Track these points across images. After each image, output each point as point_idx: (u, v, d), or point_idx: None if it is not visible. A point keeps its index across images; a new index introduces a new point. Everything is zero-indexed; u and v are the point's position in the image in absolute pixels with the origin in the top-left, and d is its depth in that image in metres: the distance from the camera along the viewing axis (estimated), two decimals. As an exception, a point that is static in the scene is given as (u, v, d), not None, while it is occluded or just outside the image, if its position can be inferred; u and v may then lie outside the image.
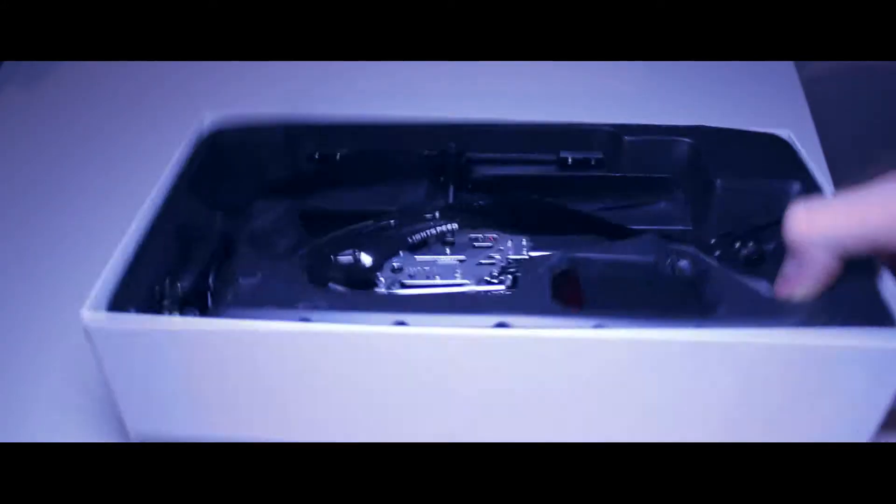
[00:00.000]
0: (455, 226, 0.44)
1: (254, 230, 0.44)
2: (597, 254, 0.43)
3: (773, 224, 0.46)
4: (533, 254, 0.44)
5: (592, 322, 0.36)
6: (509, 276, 0.43)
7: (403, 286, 0.42)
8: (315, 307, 0.37)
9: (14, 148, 0.56)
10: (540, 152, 0.51)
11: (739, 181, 0.46)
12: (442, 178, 0.50)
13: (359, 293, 0.41)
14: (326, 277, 0.43)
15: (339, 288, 0.41)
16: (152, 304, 0.38)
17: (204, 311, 0.39)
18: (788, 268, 0.39)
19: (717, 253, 0.44)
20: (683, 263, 0.43)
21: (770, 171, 0.47)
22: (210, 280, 0.42)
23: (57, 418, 0.44)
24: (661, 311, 0.38)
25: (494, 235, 0.45)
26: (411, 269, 0.43)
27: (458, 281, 0.42)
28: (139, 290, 0.37)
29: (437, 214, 0.45)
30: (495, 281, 0.42)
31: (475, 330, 0.35)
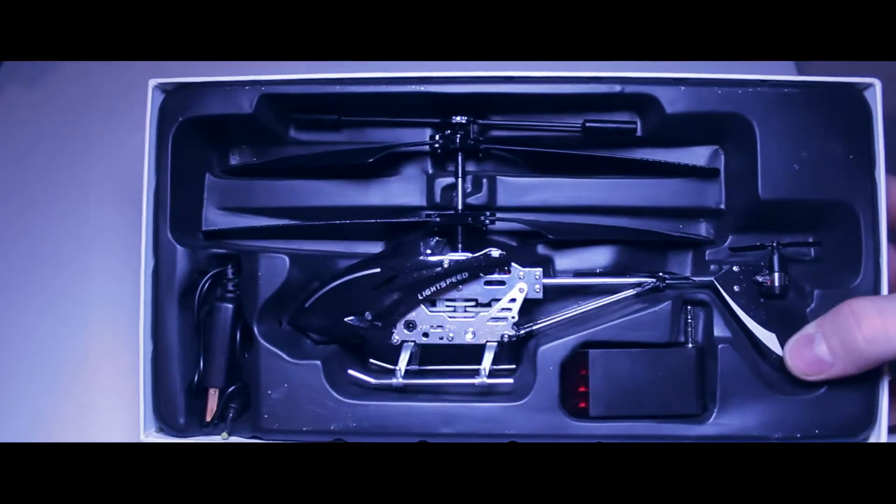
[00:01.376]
0: (465, 275, 0.43)
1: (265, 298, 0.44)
2: (607, 326, 0.43)
3: (809, 244, 0.44)
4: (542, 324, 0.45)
5: (592, 440, 0.42)
6: (522, 332, 0.44)
7: (420, 371, 0.44)
8: (346, 427, 0.42)
9: (14, 148, 0.55)
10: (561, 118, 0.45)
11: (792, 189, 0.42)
12: (450, 167, 0.46)
13: (379, 396, 0.43)
14: (337, 339, 0.46)
15: (358, 375, 0.44)
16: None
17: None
18: (819, 349, 0.40)
19: (737, 288, 0.44)
20: (698, 331, 0.44)
21: (833, 180, 0.43)
22: (235, 389, 0.44)
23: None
24: (661, 404, 0.42)
25: (506, 270, 0.44)
26: (424, 326, 0.44)
27: (470, 367, 0.44)
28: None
29: (444, 266, 0.43)
30: (506, 340, 0.43)
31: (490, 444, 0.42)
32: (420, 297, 0.43)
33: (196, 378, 0.44)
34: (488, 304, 0.44)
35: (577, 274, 0.46)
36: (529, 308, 0.45)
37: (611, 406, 0.43)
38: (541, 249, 0.47)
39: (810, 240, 0.45)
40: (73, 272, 0.54)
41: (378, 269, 0.44)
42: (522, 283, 0.44)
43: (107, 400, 0.52)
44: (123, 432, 0.50)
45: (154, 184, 0.44)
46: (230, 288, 0.45)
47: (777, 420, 0.42)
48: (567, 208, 0.46)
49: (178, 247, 0.44)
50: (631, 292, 0.44)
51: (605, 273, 0.46)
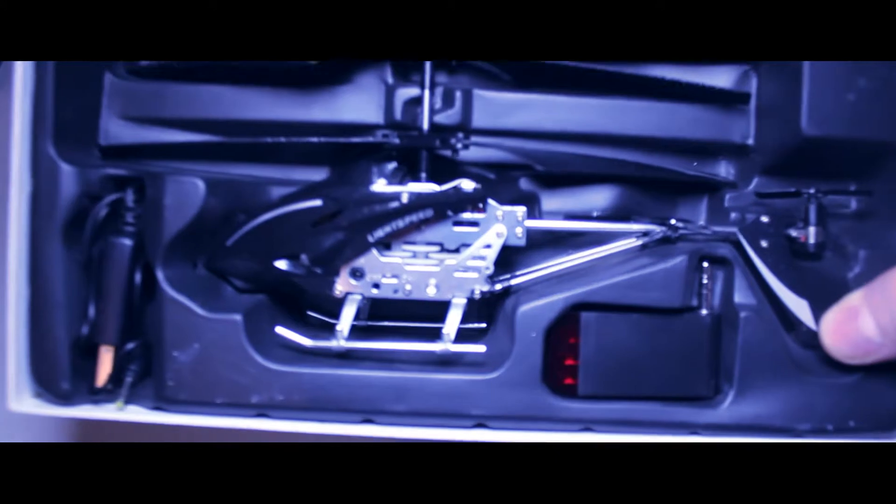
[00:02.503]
0: (430, 213, 0.34)
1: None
2: (604, 284, 0.34)
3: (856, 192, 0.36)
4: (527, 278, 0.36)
5: (580, 425, 0.35)
6: (498, 288, 0.35)
7: (368, 330, 0.35)
8: (271, 400, 0.34)
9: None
10: None
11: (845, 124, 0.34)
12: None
13: (315, 362, 0.35)
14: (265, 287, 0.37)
15: (286, 335, 0.35)
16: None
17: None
18: (864, 325, 0.32)
19: (765, 243, 0.35)
20: (714, 294, 0.36)
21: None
22: (133, 347, 0.35)
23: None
24: (666, 383, 0.34)
25: (481, 209, 0.35)
26: (375, 275, 0.35)
27: (431, 326, 0.35)
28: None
29: (403, 199, 0.34)
30: (478, 296, 0.35)
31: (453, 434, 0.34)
32: (371, 239, 0.34)
33: (85, 332, 0.35)
34: (456, 251, 0.35)
35: (569, 216, 0.37)
36: (508, 257, 0.36)
37: (605, 383, 0.35)
38: (524, 185, 0.38)
39: (853, 188, 0.37)
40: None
41: (319, 202, 0.34)
42: (500, 226, 0.35)
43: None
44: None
45: (32, 82, 0.34)
46: (129, 219, 0.35)
47: (805, 408, 0.34)
48: (558, 135, 0.37)
49: (63, 165, 0.34)
50: (635, 242, 0.36)
51: (603, 217, 0.37)
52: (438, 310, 0.35)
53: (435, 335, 0.35)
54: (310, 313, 0.37)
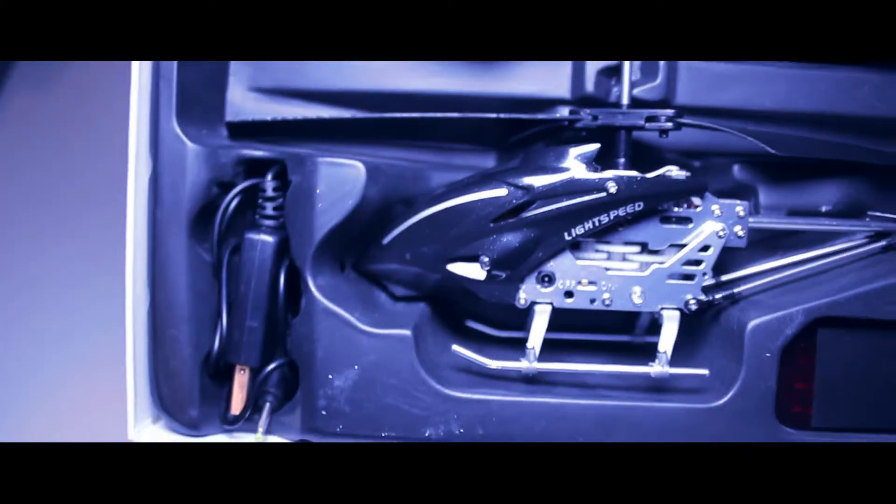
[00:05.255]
0: (639, 206, 0.28)
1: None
2: (850, 294, 0.28)
3: None
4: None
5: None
6: (715, 297, 0.29)
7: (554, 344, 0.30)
8: (448, 434, 0.28)
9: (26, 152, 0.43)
10: None
11: None
12: None
13: (497, 386, 0.28)
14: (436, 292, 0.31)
15: (466, 355, 0.29)
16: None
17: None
18: None
19: None
20: None
21: None
22: (275, 368, 0.29)
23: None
24: None
25: (692, 203, 0.29)
26: (566, 281, 0.29)
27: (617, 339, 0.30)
28: None
29: (611, 189, 0.28)
30: (693, 307, 0.29)
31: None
32: (567, 237, 0.28)
33: (216, 349, 0.29)
34: (658, 252, 0.29)
35: (793, 213, 0.31)
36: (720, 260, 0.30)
37: (847, 415, 0.29)
38: (738, 173, 0.31)
39: None
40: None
41: (504, 191, 0.28)
42: (718, 224, 0.29)
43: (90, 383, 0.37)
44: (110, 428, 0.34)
45: None
46: (270, 211, 0.29)
47: None
48: (779, 115, 0.31)
49: (189, 144, 0.28)
50: (877, 242, 0.30)
51: (834, 214, 0.31)
52: (616, 320, 0.29)
53: (621, 350, 0.29)
54: (469, 324, 0.31)
